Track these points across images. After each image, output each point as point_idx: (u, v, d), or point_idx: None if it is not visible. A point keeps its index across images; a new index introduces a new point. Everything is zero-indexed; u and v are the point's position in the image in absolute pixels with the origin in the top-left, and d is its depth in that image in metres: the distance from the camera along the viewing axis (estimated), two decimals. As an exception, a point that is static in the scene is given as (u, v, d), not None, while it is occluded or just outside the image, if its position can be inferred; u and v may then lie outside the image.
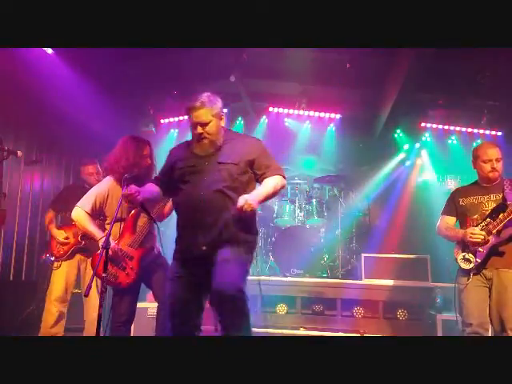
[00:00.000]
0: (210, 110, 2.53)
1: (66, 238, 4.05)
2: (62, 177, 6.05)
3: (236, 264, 2.44)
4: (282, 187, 2.67)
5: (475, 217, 3.27)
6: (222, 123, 2.63)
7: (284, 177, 2.67)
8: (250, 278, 2.37)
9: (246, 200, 2.34)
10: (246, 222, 2.56)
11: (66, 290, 4.01)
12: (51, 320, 3.90)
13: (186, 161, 2.63)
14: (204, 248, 2.48)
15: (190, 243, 2.55)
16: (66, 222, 4.17)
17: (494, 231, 3.14)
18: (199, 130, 2.53)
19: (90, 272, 3.98)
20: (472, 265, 3.19)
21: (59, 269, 4.02)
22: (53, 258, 4.04)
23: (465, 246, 3.26)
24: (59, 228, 4.14)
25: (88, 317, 4.02)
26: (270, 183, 2.58)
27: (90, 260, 4.01)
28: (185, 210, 2.61)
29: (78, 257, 4.09)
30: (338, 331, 4.74)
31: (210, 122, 2.53)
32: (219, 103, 2.61)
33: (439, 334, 4.57)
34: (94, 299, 3.89)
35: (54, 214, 4.26)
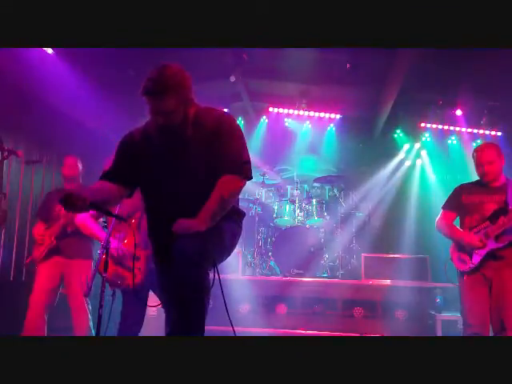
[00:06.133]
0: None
1: (42, 235, 3.91)
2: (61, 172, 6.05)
3: (197, 238, 1.98)
4: (235, 193, 2.13)
5: (475, 217, 3.25)
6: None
7: (247, 173, 2.13)
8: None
9: (188, 227, 1.96)
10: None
11: (46, 292, 3.85)
12: (27, 322, 3.77)
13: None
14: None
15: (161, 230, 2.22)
16: (49, 226, 4.00)
17: (493, 235, 3.12)
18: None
19: (76, 276, 3.86)
20: (467, 266, 3.19)
21: (37, 271, 3.91)
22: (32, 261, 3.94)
23: (461, 246, 3.25)
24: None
25: (76, 318, 3.89)
26: (217, 195, 2.05)
27: (70, 263, 3.91)
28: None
29: (57, 259, 3.91)
30: (337, 331, 4.75)
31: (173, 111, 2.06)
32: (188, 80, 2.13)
33: (439, 334, 4.58)
34: (79, 300, 3.81)
35: (42, 223, 4.07)
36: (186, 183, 2.15)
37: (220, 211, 2.06)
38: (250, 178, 2.16)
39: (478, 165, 3.28)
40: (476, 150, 3.37)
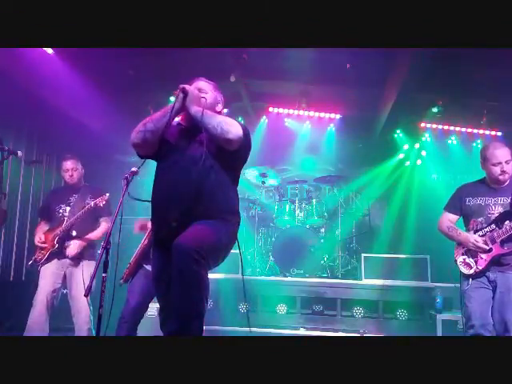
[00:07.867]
0: (212, 86, 2.61)
1: (43, 242, 3.90)
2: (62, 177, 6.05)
3: (202, 229, 2.13)
4: (226, 133, 2.24)
5: (480, 219, 3.20)
6: (218, 107, 2.62)
7: (243, 129, 2.33)
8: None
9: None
10: (224, 196, 2.31)
11: (50, 293, 3.86)
12: (30, 322, 3.77)
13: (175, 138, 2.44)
14: (174, 224, 2.19)
15: (161, 218, 2.29)
16: (51, 227, 4.01)
17: (498, 240, 3.07)
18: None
19: (78, 277, 3.89)
20: (472, 271, 3.15)
21: (40, 273, 3.91)
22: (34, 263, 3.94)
23: (466, 249, 3.21)
24: (43, 233, 3.99)
25: (78, 320, 3.89)
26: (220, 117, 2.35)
27: (74, 264, 3.93)
28: (160, 182, 2.37)
29: (61, 261, 3.93)
30: (337, 331, 4.75)
31: (208, 93, 2.54)
32: (219, 95, 2.67)
33: (439, 334, 4.57)
34: (81, 301, 3.82)
35: (44, 223, 4.10)
36: (191, 172, 2.23)
37: (208, 120, 2.26)
38: (248, 144, 2.41)
39: (495, 163, 3.15)
40: (493, 148, 3.23)
